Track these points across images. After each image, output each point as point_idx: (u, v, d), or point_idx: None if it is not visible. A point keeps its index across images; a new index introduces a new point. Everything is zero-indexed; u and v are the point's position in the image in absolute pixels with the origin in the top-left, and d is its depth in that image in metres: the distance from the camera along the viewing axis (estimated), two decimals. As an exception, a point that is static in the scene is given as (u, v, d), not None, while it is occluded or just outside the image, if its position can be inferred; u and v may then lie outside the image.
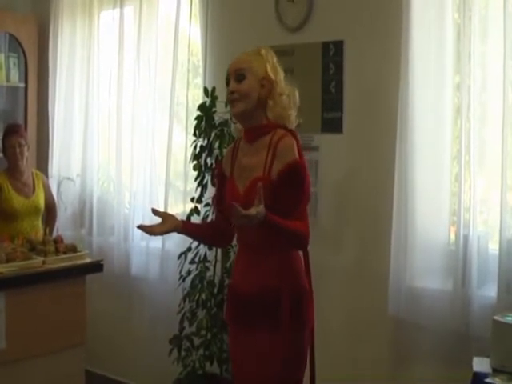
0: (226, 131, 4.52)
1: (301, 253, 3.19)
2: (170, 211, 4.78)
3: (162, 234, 3.22)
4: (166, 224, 3.16)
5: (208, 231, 3.41)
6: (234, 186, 3.13)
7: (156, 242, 5.16)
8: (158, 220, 3.20)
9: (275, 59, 3.16)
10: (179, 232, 3.26)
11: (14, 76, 6.16)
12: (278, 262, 3.06)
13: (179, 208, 5.05)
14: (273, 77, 3.08)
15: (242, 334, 3.13)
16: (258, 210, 2.77)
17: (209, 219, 4.52)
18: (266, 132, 3.08)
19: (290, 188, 2.96)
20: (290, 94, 3.14)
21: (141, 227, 3.15)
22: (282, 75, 3.15)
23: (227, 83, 3.14)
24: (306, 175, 3.01)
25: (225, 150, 4.27)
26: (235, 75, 3.09)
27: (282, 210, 2.92)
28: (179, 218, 3.32)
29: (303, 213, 3.04)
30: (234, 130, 3.42)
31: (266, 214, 2.79)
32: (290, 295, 3.02)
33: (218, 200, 3.31)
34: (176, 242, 4.90)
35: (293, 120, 3.15)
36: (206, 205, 4.59)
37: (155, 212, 3.18)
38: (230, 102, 3.11)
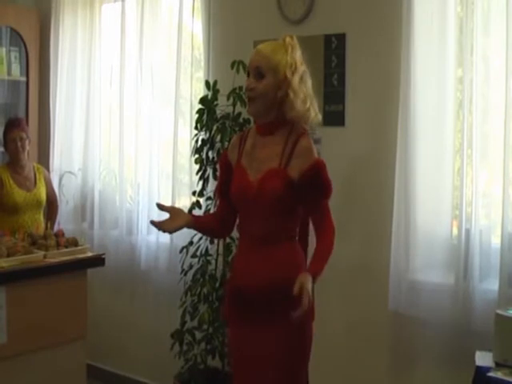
0: (227, 124, 4.50)
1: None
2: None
3: (175, 230, 3.17)
4: (178, 220, 3.11)
5: (214, 223, 3.33)
6: (244, 174, 3.09)
7: (160, 236, 5.16)
8: (164, 215, 3.16)
9: (299, 52, 3.09)
10: (189, 227, 3.21)
11: (16, 70, 6.14)
12: (284, 255, 3.07)
13: (180, 202, 5.04)
14: (289, 76, 3.01)
15: (247, 331, 3.10)
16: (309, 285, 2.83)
17: (211, 212, 4.50)
18: (281, 126, 3.08)
19: (316, 187, 3.02)
20: (307, 93, 3.09)
21: (154, 223, 3.09)
22: (300, 72, 3.06)
23: (248, 74, 3.10)
24: (326, 171, 3.06)
25: (226, 144, 4.27)
26: (255, 72, 3.05)
27: (308, 207, 3.08)
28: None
29: (327, 207, 3.09)
30: None
31: (312, 277, 2.87)
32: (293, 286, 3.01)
33: (222, 188, 3.27)
34: (178, 235, 4.88)
35: (312, 118, 3.11)
36: (208, 198, 4.58)
37: (161, 207, 3.14)
38: (248, 98, 3.10)
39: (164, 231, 3.14)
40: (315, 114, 3.11)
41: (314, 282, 2.87)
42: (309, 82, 3.11)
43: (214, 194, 3.47)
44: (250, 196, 3.04)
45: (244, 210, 3.16)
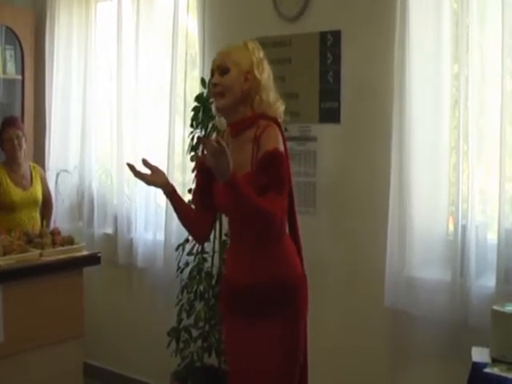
0: (223, 122, 4.50)
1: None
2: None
3: (149, 184, 3.18)
4: (158, 178, 3.15)
5: (191, 214, 3.31)
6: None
7: (155, 233, 5.19)
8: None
9: (262, 53, 3.13)
10: (166, 193, 3.20)
11: (11, 68, 6.12)
12: (270, 252, 3.05)
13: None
14: (258, 75, 3.06)
15: (239, 327, 3.11)
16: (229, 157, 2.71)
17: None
18: (250, 125, 3.06)
19: (264, 174, 2.91)
20: (274, 90, 3.13)
21: (130, 166, 3.12)
22: (268, 70, 3.12)
23: (212, 76, 3.11)
24: (282, 164, 2.96)
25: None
26: (219, 68, 3.07)
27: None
28: None
29: (276, 199, 2.91)
30: (219, 123, 3.39)
31: (233, 171, 2.72)
32: (284, 284, 3.03)
33: (199, 194, 3.30)
34: (174, 233, 4.89)
35: (280, 112, 3.15)
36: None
37: (146, 163, 3.14)
38: (214, 95, 3.09)
39: (136, 175, 3.14)
40: (282, 104, 3.15)
41: (229, 178, 2.73)
42: (272, 80, 3.15)
43: (192, 196, 3.44)
44: (230, 205, 3.02)
45: (229, 216, 3.24)
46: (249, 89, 3.05)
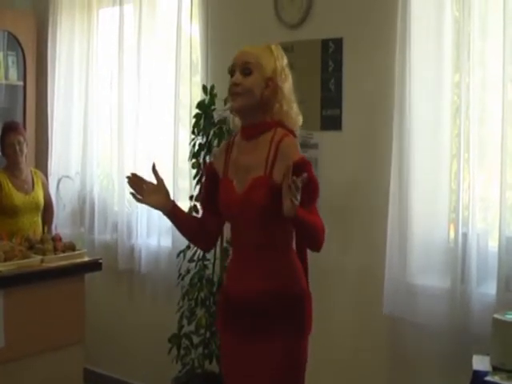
0: (224, 129, 4.50)
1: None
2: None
3: (147, 205, 3.10)
4: (157, 199, 3.04)
5: (194, 226, 3.23)
6: (230, 187, 3.00)
7: (156, 239, 5.20)
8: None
9: (286, 61, 3.05)
10: (166, 213, 3.10)
11: (13, 74, 6.15)
12: (276, 265, 2.96)
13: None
14: (280, 83, 2.98)
15: (240, 343, 3.00)
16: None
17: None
18: (266, 129, 2.99)
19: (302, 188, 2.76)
20: (295, 99, 3.06)
21: (131, 179, 3.06)
22: (290, 79, 3.04)
23: (231, 73, 3.02)
24: (311, 171, 2.89)
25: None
26: (242, 68, 2.97)
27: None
28: None
29: (316, 209, 2.92)
30: (232, 124, 3.24)
31: (298, 207, 2.68)
32: (291, 295, 2.97)
33: (207, 200, 3.21)
34: (175, 239, 4.89)
35: (298, 124, 3.08)
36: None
37: (155, 171, 3.06)
38: (232, 94, 2.99)
39: (134, 197, 3.07)
40: (300, 115, 3.08)
41: (296, 215, 2.69)
42: (292, 89, 3.08)
43: (200, 202, 3.35)
44: (236, 210, 2.97)
45: (234, 223, 3.10)
46: (269, 95, 2.96)
